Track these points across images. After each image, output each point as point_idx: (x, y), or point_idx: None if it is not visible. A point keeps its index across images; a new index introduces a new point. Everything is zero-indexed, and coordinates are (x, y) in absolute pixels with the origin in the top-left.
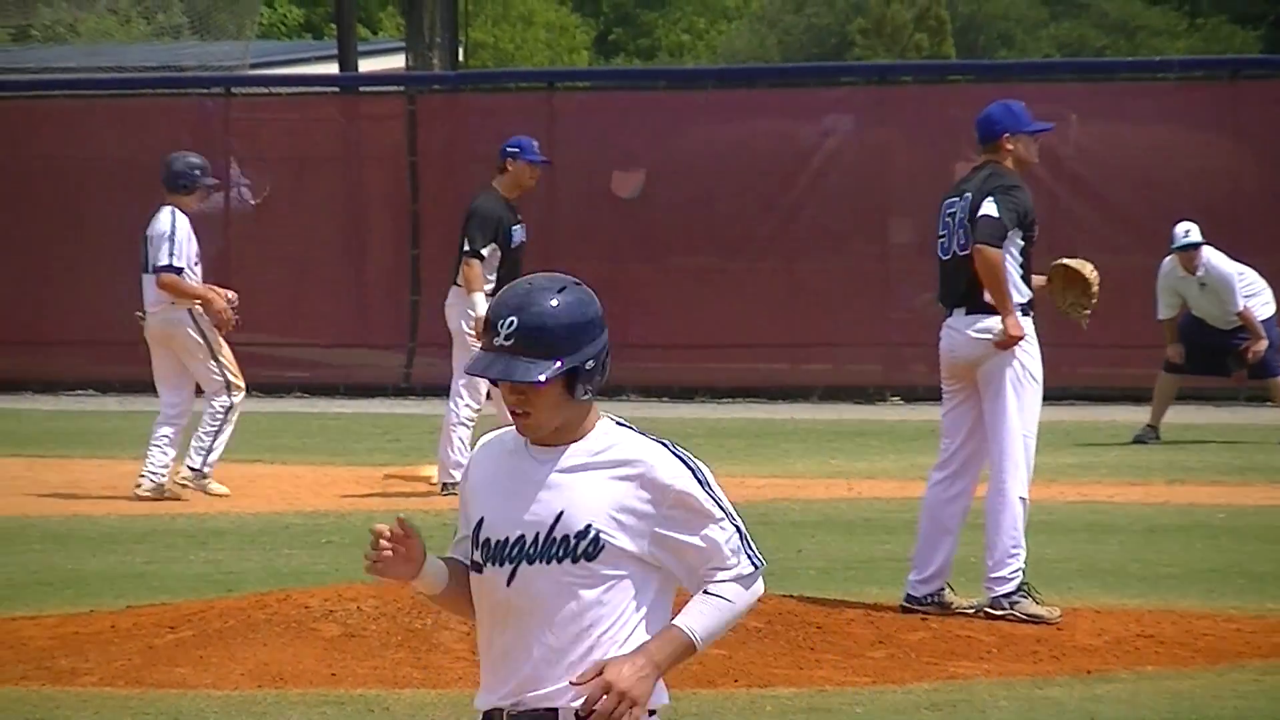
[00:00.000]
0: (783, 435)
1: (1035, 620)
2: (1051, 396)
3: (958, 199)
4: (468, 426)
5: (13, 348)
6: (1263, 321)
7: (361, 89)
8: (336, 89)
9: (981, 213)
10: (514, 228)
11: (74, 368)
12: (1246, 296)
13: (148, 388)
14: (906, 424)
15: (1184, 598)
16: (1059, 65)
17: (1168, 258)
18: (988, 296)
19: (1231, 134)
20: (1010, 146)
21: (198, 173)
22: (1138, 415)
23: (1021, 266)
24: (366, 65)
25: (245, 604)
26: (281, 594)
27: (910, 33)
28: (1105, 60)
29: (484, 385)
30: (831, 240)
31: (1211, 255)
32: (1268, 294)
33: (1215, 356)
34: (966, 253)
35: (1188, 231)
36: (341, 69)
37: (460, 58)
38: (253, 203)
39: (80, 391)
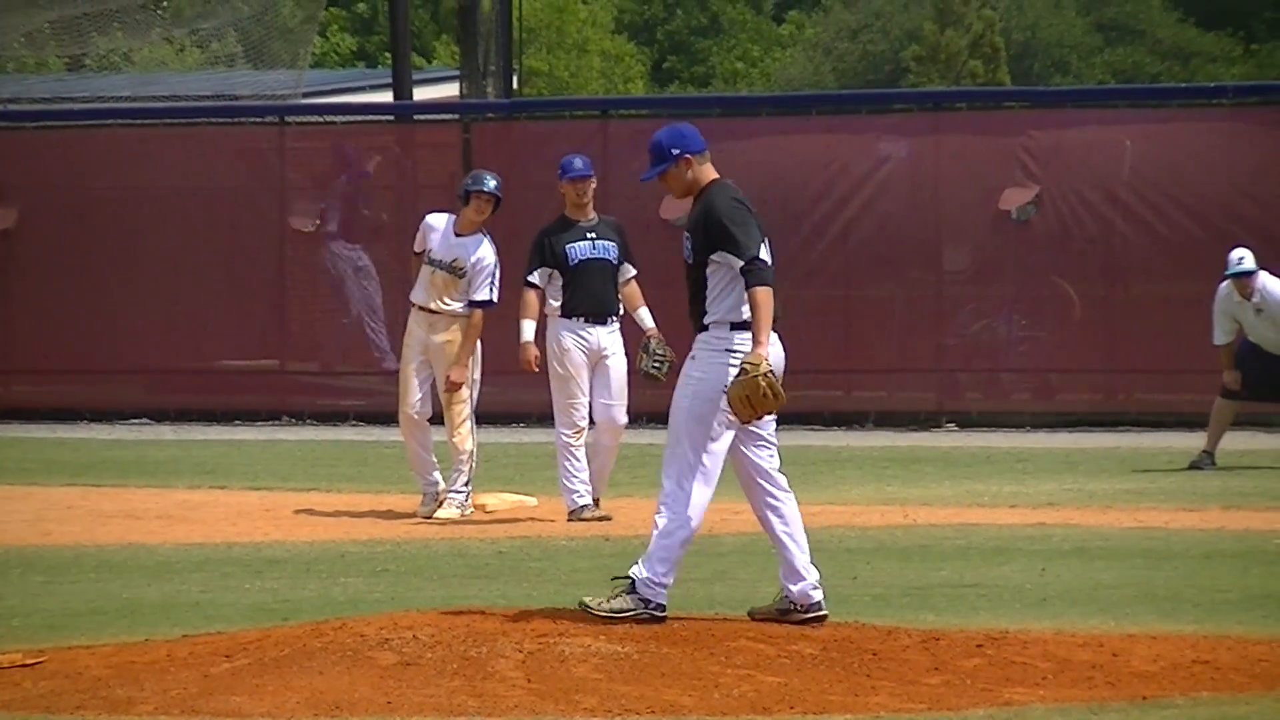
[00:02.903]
0: (837, 462)
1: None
2: (1107, 422)
3: None
4: (573, 447)
5: (69, 376)
6: None
7: (416, 117)
8: (391, 117)
9: None
10: (570, 246)
11: (130, 396)
12: None
13: (203, 416)
14: (961, 450)
15: (1240, 624)
16: (1113, 91)
17: (1223, 283)
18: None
19: None
20: None
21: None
22: (1193, 441)
23: None
24: (421, 93)
25: (301, 632)
26: (337, 622)
27: (965, 60)
28: (1160, 86)
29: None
30: (885, 266)
31: (1267, 281)
32: None
33: (1272, 382)
34: None
35: (1242, 258)
36: (396, 97)
37: (515, 86)
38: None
39: (136, 420)
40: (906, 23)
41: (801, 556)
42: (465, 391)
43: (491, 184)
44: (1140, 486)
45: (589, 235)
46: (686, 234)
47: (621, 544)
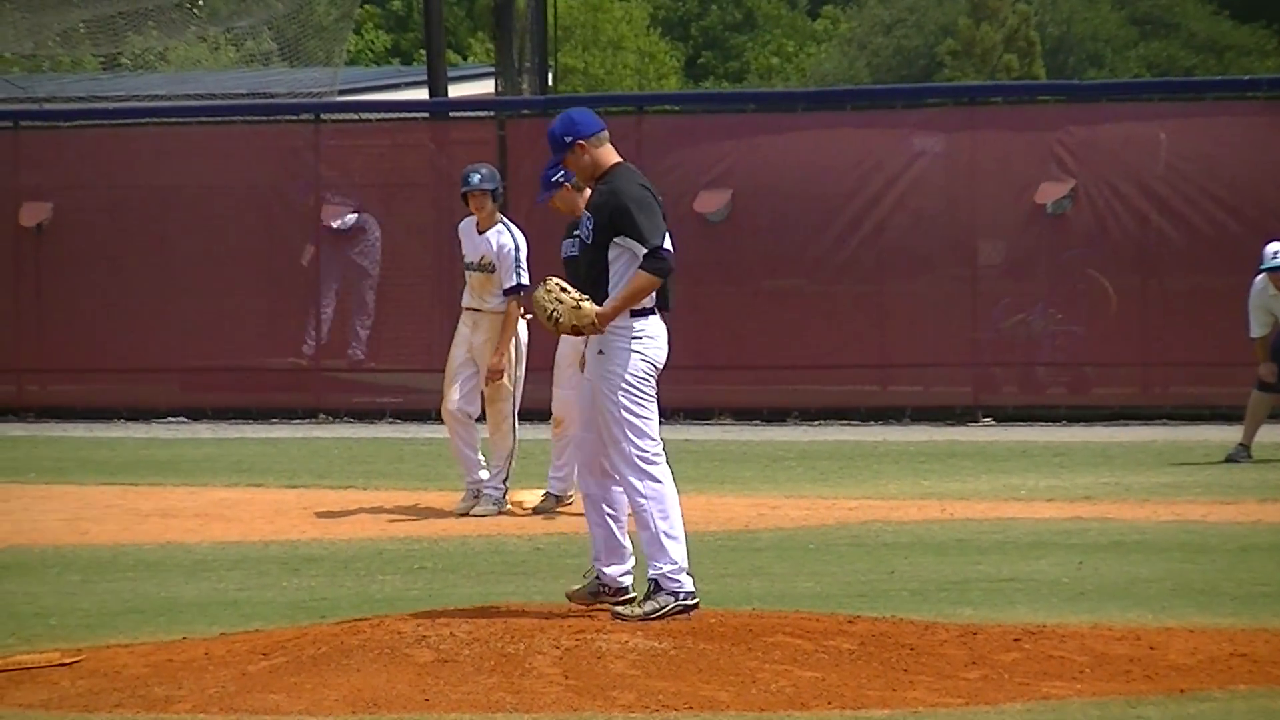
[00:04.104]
0: (874, 457)
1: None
2: (1143, 416)
3: None
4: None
5: (105, 375)
6: None
7: (451, 114)
8: (426, 114)
9: None
10: (564, 243)
11: (166, 395)
12: None
13: (239, 414)
14: (998, 444)
15: (1277, 616)
16: (1148, 85)
17: (1258, 276)
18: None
19: None
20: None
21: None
22: (1230, 434)
23: None
24: (456, 90)
25: (338, 630)
26: (375, 620)
27: (1000, 54)
28: (1194, 79)
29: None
30: (920, 261)
31: None
32: None
33: None
34: None
35: (1277, 252)
36: (431, 94)
37: (550, 82)
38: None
39: (172, 419)
40: (941, 17)
41: (624, 538)
42: (508, 389)
43: (475, 179)
44: (1177, 480)
45: (575, 233)
46: (587, 214)
47: None
